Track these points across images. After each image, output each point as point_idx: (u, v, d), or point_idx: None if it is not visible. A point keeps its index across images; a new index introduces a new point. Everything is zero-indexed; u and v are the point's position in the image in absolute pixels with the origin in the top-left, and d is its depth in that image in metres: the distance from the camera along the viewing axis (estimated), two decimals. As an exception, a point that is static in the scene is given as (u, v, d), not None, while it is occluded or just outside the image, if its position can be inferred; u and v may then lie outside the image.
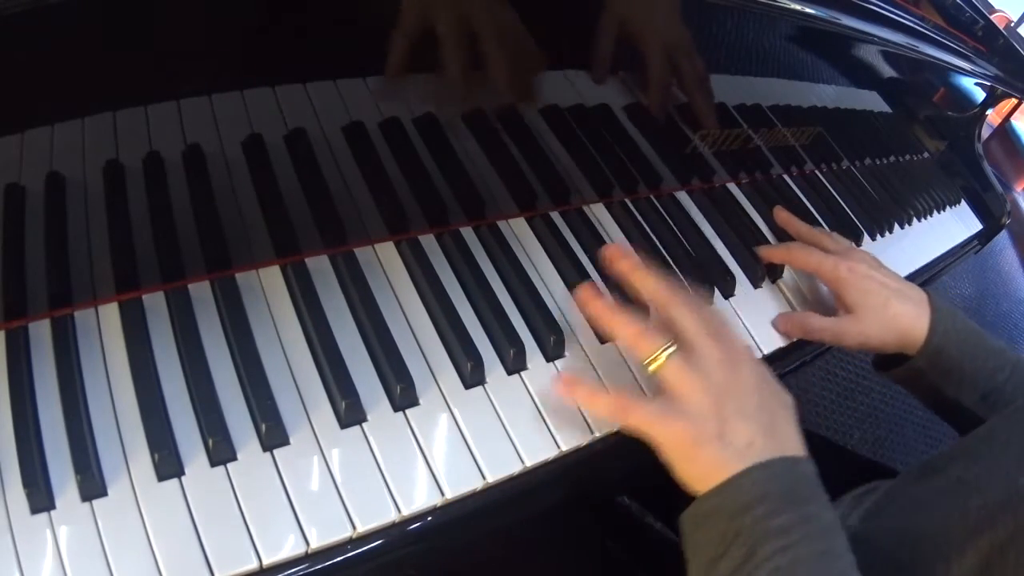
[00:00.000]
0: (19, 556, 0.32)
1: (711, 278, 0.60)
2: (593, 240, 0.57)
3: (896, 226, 0.89)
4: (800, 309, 0.64)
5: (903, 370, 0.60)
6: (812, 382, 1.43)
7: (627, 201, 0.62)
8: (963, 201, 1.15)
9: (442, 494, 0.40)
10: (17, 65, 0.33)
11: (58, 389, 0.37)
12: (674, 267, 0.59)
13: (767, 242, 0.67)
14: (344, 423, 0.41)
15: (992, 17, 0.98)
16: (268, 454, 0.38)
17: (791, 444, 0.43)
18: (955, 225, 1.07)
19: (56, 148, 0.37)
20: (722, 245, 0.65)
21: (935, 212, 1.03)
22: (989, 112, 1.22)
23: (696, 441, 0.42)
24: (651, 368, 0.44)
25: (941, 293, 1.91)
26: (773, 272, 0.65)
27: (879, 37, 0.72)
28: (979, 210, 1.17)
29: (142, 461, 0.36)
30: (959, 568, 0.42)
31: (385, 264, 0.48)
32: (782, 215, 0.69)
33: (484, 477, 0.42)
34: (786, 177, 0.80)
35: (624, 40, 0.55)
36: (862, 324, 0.58)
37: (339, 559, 0.38)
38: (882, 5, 0.70)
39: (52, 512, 0.34)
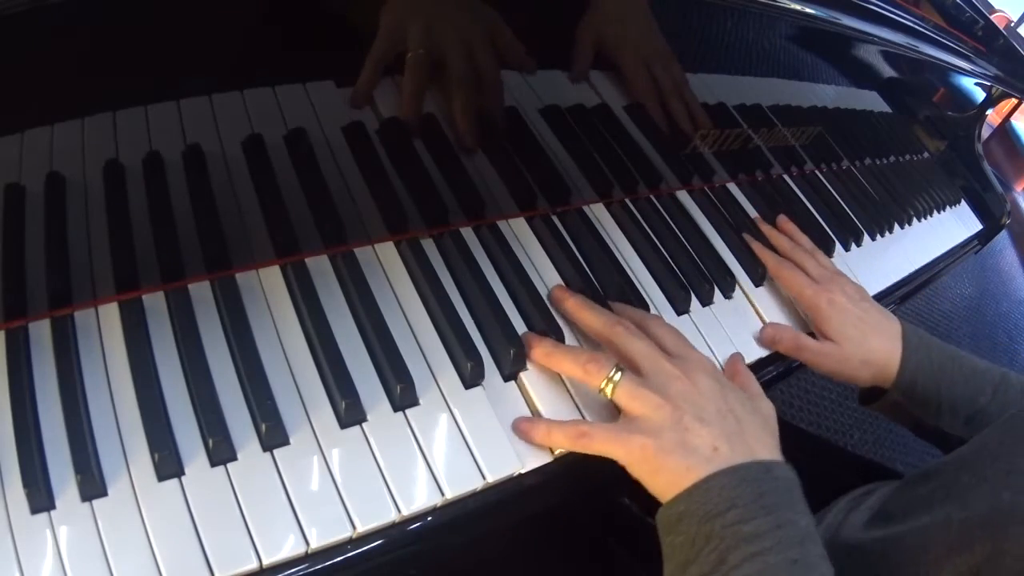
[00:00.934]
0: (19, 556, 0.32)
1: (711, 278, 0.60)
2: (593, 240, 0.57)
3: (896, 226, 0.89)
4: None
5: (882, 403, 0.61)
6: (812, 382, 1.43)
7: (627, 201, 0.62)
8: (963, 201, 1.15)
9: (442, 494, 0.40)
10: (17, 65, 0.33)
11: (58, 389, 0.37)
12: (676, 269, 0.59)
13: (767, 242, 0.67)
14: (344, 423, 0.41)
15: (992, 17, 0.98)
16: (268, 454, 0.38)
17: (763, 448, 0.43)
18: (955, 225, 1.07)
19: (56, 148, 0.37)
20: (722, 245, 0.65)
21: (935, 212, 1.03)
22: (989, 112, 1.22)
23: (658, 453, 0.42)
24: (605, 395, 0.45)
25: (940, 294, 1.91)
26: (773, 272, 0.65)
27: (879, 37, 0.72)
28: (979, 210, 1.17)
29: (142, 461, 0.36)
30: None
31: (385, 264, 0.48)
32: (768, 232, 0.69)
33: (484, 477, 0.42)
34: (786, 177, 0.80)
35: (601, 51, 0.55)
36: (840, 353, 0.59)
37: (339, 559, 0.38)
38: (882, 5, 0.70)
39: (52, 512, 0.34)
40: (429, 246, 0.50)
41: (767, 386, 0.59)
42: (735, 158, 0.72)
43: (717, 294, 0.60)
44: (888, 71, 0.89)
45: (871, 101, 0.92)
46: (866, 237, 0.81)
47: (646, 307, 0.54)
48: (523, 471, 0.43)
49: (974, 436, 0.53)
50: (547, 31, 0.53)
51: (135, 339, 0.39)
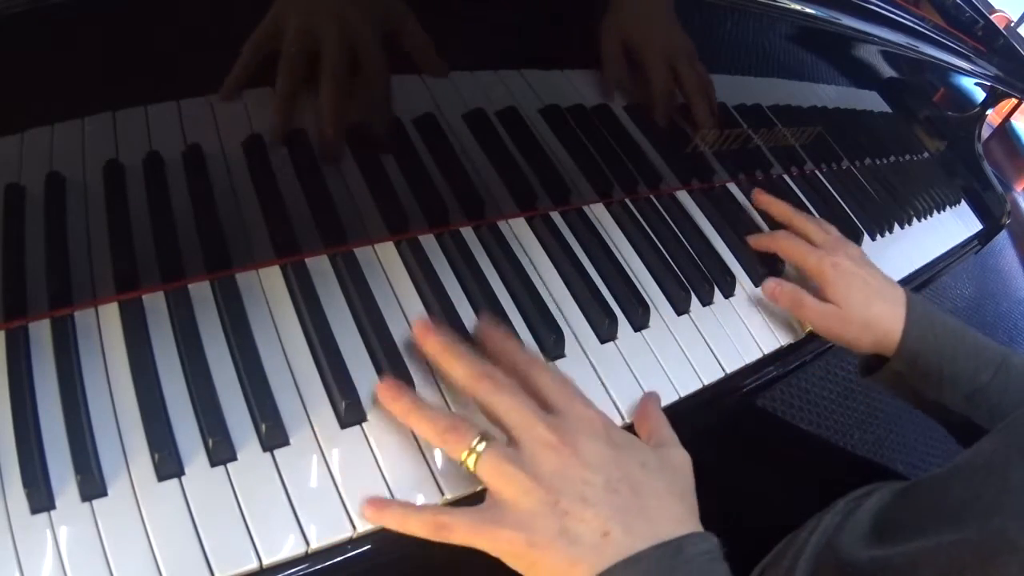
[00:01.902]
0: (19, 556, 0.32)
1: (711, 278, 0.60)
2: (593, 240, 0.57)
3: (896, 226, 0.89)
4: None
5: (883, 373, 0.60)
6: (812, 382, 1.43)
7: (627, 201, 0.62)
8: (963, 201, 1.15)
9: (442, 494, 0.40)
10: (17, 65, 0.33)
11: (58, 389, 0.37)
12: (676, 269, 0.59)
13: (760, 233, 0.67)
14: (344, 423, 0.41)
15: (992, 17, 0.98)
16: (268, 454, 0.38)
17: (669, 521, 0.36)
18: (955, 225, 1.07)
19: (56, 148, 0.37)
20: (722, 245, 0.65)
21: (935, 212, 1.03)
22: (989, 112, 1.22)
23: (531, 545, 0.35)
24: (467, 467, 0.38)
25: (940, 294, 1.91)
26: (774, 271, 0.65)
27: (879, 37, 0.72)
28: (979, 210, 1.17)
29: (142, 461, 0.36)
30: None
31: (385, 264, 0.48)
32: (762, 198, 0.68)
33: (484, 477, 0.42)
34: (786, 177, 0.80)
35: (627, 53, 0.55)
36: (843, 317, 0.58)
37: (339, 559, 0.38)
38: (882, 5, 0.70)
39: (52, 512, 0.34)
40: (429, 246, 0.50)
41: (767, 386, 0.60)
42: (735, 158, 0.72)
43: (717, 294, 0.60)
44: (888, 71, 0.89)
45: (871, 101, 0.92)
46: (866, 237, 0.81)
47: (646, 307, 0.54)
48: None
49: (978, 419, 0.52)
50: (547, 31, 0.53)
51: (135, 339, 0.39)
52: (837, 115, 0.85)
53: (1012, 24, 2.10)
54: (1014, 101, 1.31)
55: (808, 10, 0.60)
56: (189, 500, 0.36)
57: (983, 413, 0.57)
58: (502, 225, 0.54)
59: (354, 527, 0.38)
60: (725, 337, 0.58)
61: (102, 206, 0.40)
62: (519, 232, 0.55)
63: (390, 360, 0.43)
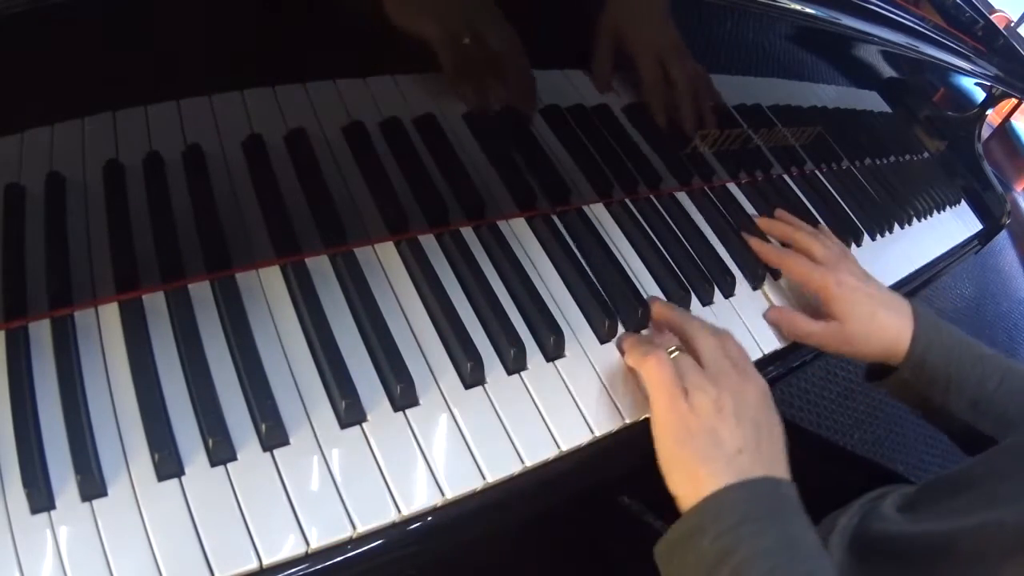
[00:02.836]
0: (19, 556, 0.32)
1: (711, 278, 0.60)
2: (593, 240, 0.57)
3: (896, 226, 0.89)
4: (798, 307, 0.64)
5: (891, 380, 0.61)
6: (812, 382, 1.43)
7: (627, 201, 0.62)
8: (963, 201, 1.15)
9: (442, 494, 0.40)
10: (17, 65, 0.33)
11: (58, 389, 0.37)
12: (676, 269, 0.59)
13: (767, 242, 0.67)
14: (344, 423, 0.41)
15: (992, 17, 0.98)
16: (268, 454, 0.38)
17: (777, 465, 0.44)
18: (955, 225, 1.07)
19: (56, 148, 0.37)
20: (722, 245, 0.65)
21: (935, 212, 1.03)
22: (989, 112, 1.22)
23: (690, 425, 0.43)
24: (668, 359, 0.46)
25: (940, 294, 1.91)
26: (774, 271, 0.65)
27: (879, 37, 0.72)
28: (979, 210, 1.17)
29: (142, 461, 0.36)
30: None
31: (385, 264, 0.48)
32: (764, 223, 0.69)
33: (484, 477, 0.42)
34: (786, 177, 0.80)
35: (620, 49, 0.55)
36: (847, 333, 0.59)
37: (339, 559, 0.38)
38: (882, 5, 0.70)
39: (52, 512, 0.34)
40: (429, 246, 0.50)
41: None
42: (735, 158, 0.72)
43: (717, 294, 0.60)
44: (888, 71, 0.89)
45: (871, 101, 0.92)
46: (866, 237, 0.81)
47: (647, 308, 0.54)
48: (523, 471, 0.43)
49: (982, 427, 0.53)
50: (547, 30, 0.53)
51: (135, 339, 0.39)
52: (837, 115, 0.85)
53: (1012, 24, 2.10)
54: (1014, 101, 1.31)
55: (808, 10, 0.60)
56: (189, 500, 0.36)
57: (988, 420, 0.58)
58: (502, 225, 0.54)
59: (354, 527, 0.38)
60: (725, 337, 0.58)
61: (102, 206, 0.40)
62: (519, 232, 0.55)
63: (390, 360, 0.43)
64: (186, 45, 0.39)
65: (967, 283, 2.16)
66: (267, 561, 0.35)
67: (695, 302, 0.58)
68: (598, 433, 0.46)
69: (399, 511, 0.39)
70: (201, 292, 0.42)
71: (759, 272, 0.64)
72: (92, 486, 0.35)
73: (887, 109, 0.95)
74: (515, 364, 0.47)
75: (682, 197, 0.66)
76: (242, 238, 0.44)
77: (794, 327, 0.60)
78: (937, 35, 0.81)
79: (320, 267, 0.46)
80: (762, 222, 0.69)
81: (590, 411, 0.47)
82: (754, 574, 0.38)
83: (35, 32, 0.33)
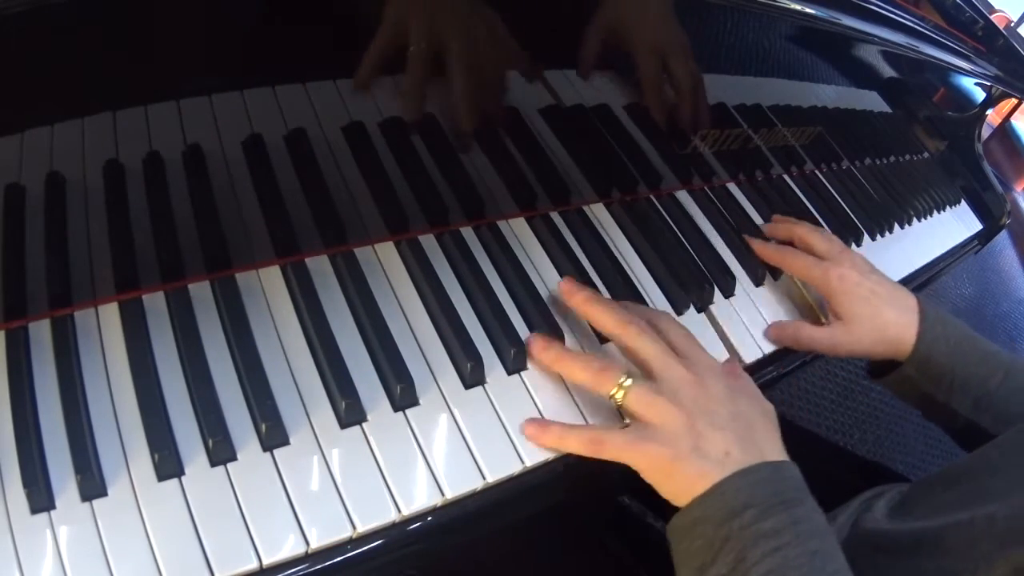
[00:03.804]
0: (19, 556, 0.32)
1: (711, 278, 0.60)
2: (593, 240, 0.57)
3: (896, 226, 0.89)
4: (799, 307, 0.64)
5: (894, 377, 0.60)
6: (812, 382, 1.43)
7: (627, 201, 0.62)
8: (963, 201, 1.15)
9: (442, 494, 0.40)
10: (17, 65, 0.33)
11: (58, 389, 0.37)
12: (676, 270, 0.59)
13: (767, 241, 0.67)
14: (344, 423, 0.41)
15: (992, 17, 0.98)
16: (268, 454, 0.38)
17: (771, 450, 0.44)
18: (955, 225, 1.07)
19: (56, 148, 0.37)
20: (722, 245, 0.65)
21: (935, 212, 1.03)
22: (989, 112, 1.22)
23: (672, 459, 0.42)
24: (615, 401, 0.44)
25: (940, 294, 1.91)
26: (774, 270, 0.65)
27: (879, 37, 0.72)
28: (979, 210, 1.17)
29: (142, 461, 0.36)
30: None
31: (385, 264, 0.48)
32: (765, 228, 0.68)
33: (484, 477, 0.42)
34: (786, 177, 0.80)
35: (614, 42, 0.55)
36: (853, 333, 0.58)
37: (339, 559, 0.38)
38: (882, 5, 0.70)
39: (52, 512, 0.34)
40: (429, 246, 0.50)
41: (767, 386, 0.60)
42: (735, 158, 0.72)
43: (717, 294, 0.60)
44: (888, 71, 0.89)
45: (871, 101, 0.92)
46: (866, 237, 0.81)
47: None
48: (523, 471, 0.43)
49: (985, 424, 0.53)
50: (548, 30, 0.53)
51: (135, 339, 0.39)
52: (837, 115, 0.85)
53: (1012, 24, 2.10)
54: (1014, 101, 1.31)
55: (808, 10, 0.60)
56: (189, 500, 0.36)
57: (989, 418, 0.57)
58: (502, 225, 0.54)
59: (354, 527, 0.38)
60: (726, 337, 0.58)
61: (102, 206, 0.40)
62: (519, 232, 0.55)
63: (390, 360, 0.43)
64: (186, 45, 0.39)
65: (967, 283, 2.16)
66: (267, 561, 0.35)
67: (695, 302, 0.58)
68: (598, 433, 0.46)
69: (399, 511, 0.39)
70: (201, 292, 0.42)
71: (759, 272, 0.64)
72: (92, 486, 0.35)
73: (887, 109, 0.95)
74: (515, 364, 0.47)
75: (682, 197, 0.66)
76: (242, 238, 0.44)
77: (798, 338, 0.59)
78: (937, 35, 0.81)
79: (320, 267, 0.46)
80: (768, 227, 0.68)
81: (590, 411, 0.47)
82: (759, 555, 0.38)
83: (35, 32, 0.33)
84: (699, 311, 0.58)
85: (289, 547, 0.36)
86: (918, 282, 0.88)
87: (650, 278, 0.58)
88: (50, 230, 0.38)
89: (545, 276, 0.53)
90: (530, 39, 0.50)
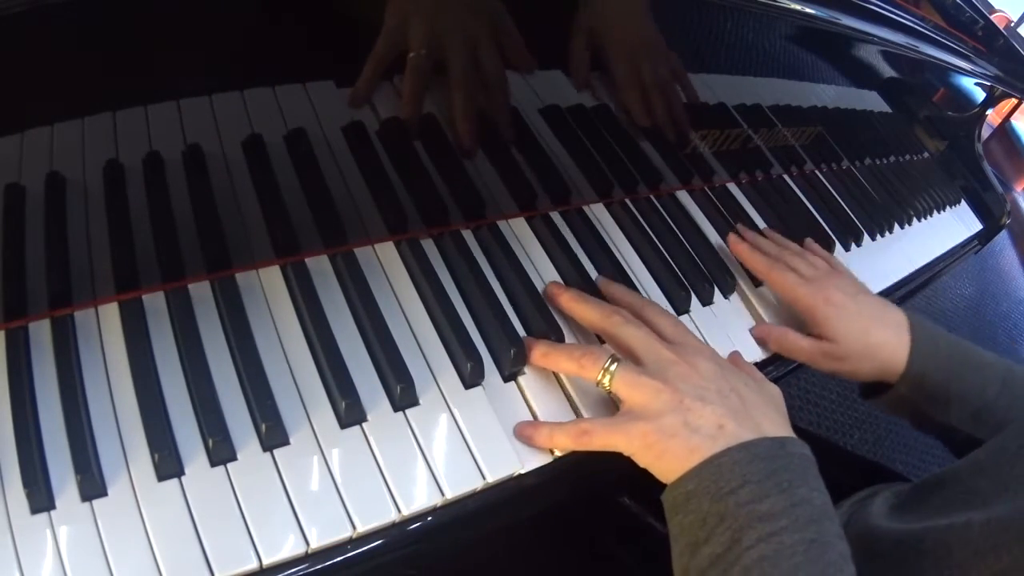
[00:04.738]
0: (19, 556, 0.32)
1: (711, 278, 0.60)
2: (593, 240, 0.57)
3: (896, 226, 0.89)
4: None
5: (887, 398, 0.59)
6: (812, 382, 1.43)
7: (627, 201, 0.62)
8: (963, 201, 1.15)
9: (442, 494, 0.40)
10: (17, 65, 0.33)
11: (58, 389, 0.37)
12: (676, 269, 0.59)
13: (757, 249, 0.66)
14: (344, 423, 0.41)
15: (992, 17, 0.98)
16: (268, 454, 0.38)
17: (771, 425, 0.42)
18: (955, 225, 1.07)
19: (56, 148, 0.37)
20: (722, 245, 0.65)
21: (935, 212, 1.03)
22: (989, 112, 1.22)
23: (660, 436, 0.41)
24: (604, 387, 0.44)
25: (940, 294, 1.91)
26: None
27: (879, 37, 0.72)
28: (979, 210, 1.17)
29: (142, 461, 0.36)
30: None
31: (385, 264, 0.48)
32: (749, 236, 0.65)
33: (484, 477, 0.42)
34: (786, 177, 0.80)
35: (595, 44, 0.54)
36: (838, 353, 0.57)
37: (339, 559, 0.38)
38: (882, 5, 0.70)
39: (52, 512, 0.34)
40: (429, 246, 0.50)
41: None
42: (735, 158, 0.72)
43: (717, 294, 0.60)
44: (888, 71, 0.89)
45: (871, 101, 0.92)
46: (866, 237, 0.81)
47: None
48: (523, 471, 0.43)
49: (984, 437, 0.51)
50: (547, 30, 0.53)
51: (135, 339, 0.39)
52: (837, 115, 0.85)
53: (1012, 24, 2.10)
54: (1014, 101, 1.31)
55: (808, 10, 0.60)
56: (189, 500, 0.36)
57: (989, 430, 0.55)
58: (502, 225, 0.54)
59: (354, 527, 0.38)
60: (725, 337, 0.58)
61: (102, 206, 0.40)
62: (519, 232, 0.55)
63: (390, 360, 0.43)
64: (186, 45, 0.39)
65: (967, 283, 2.17)
66: (267, 561, 0.35)
67: (695, 302, 0.58)
68: (598, 433, 0.46)
69: (399, 511, 0.39)
70: (201, 292, 0.42)
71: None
72: (92, 486, 0.35)
73: (887, 109, 0.95)
74: (515, 365, 0.47)
75: (682, 197, 0.66)
76: (242, 238, 0.44)
77: (783, 343, 0.58)
78: (937, 35, 0.81)
79: (320, 267, 0.46)
80: (749, 236, 0.66)
81: (588, 411, 0.47)
82: (754, 539, 0.37)
83: (35, 32, 0.33)
84: (704, 306, 0.58)
85: (289, 547, 0.36)
86: (918, 282, 0.88)
87: (650, 278, 0.58)
88: (50, 230, 0.38)
89: (545, 276, 0.53)
90: (537, 39, 0.50)
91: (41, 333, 0.38)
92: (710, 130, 0.67)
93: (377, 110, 0.48)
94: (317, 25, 0.43)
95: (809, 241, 0.68)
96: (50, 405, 0.36)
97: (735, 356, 0.55)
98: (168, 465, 0.36)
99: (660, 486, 0.43)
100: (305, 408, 0.41)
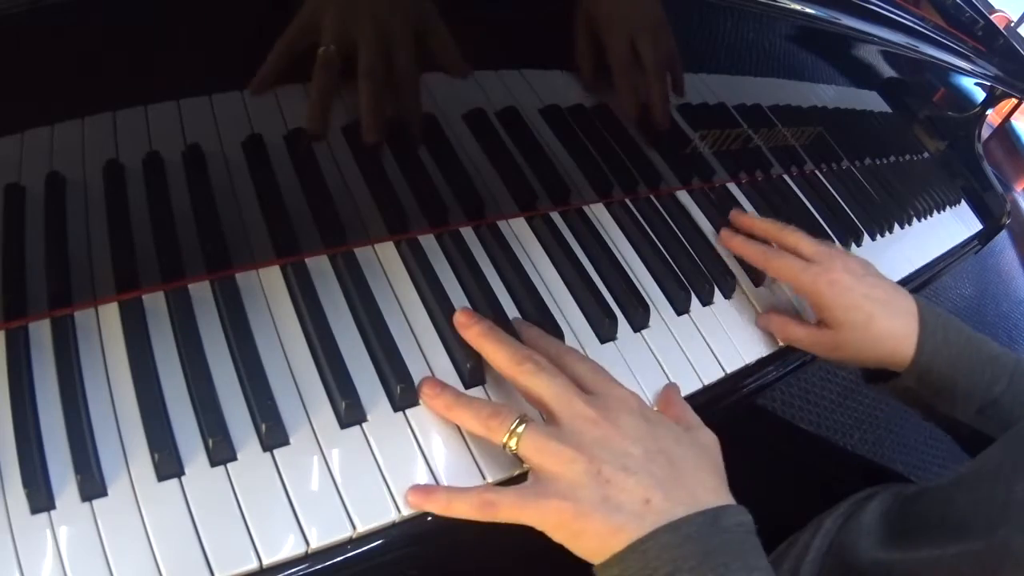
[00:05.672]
0: (19, 556, 0.32)
1: (711, 278, 0.60)
2: (593, 240, 0.57)
3: (896, 226, 0.89)
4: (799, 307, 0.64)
5: (891, 386, 0.57)
6: (812, 382, 1.43)
7: (627, 201, 0.62)
8: (963, 201, 1.15)
9: (442, 494, 0.40)
10: (17, 65, 0.33)
11: (58, 389, 0.37)
12: (676, 269, 0.59)
13: (768, 242, 0.67)
14: (344, 423, 0.41)
15: (992, 17, 0.98)
16: (268, 454, 0.38)
17: (705, 492, 0.38)
18: (955, 225, 1.07)
19: (56, 148, 0.37)
20: (722, 244, 0.65)
21: (935, 212, 1.03)
22: (989, 112, 1.22)
23: (577, 516, 0.36)
24: (510, 449, 0.39)
25: (940, 294, 1.91)
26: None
27: (879, 37, 0.72)
28: (979, 210, 1.17)
29: (142, 461, 0.36)
30: None
31: (385, 264, 0.48)
32: (747, 221, 0.62)
33: (484, 477, 0.42)
34: (786, 177, 0.80)
35: (594, 32, 0.52)
36: (840, 342, 0.54)
37: (339, 559, 0.38)
38: (882, 5, 0.70)
39: (52, 512, 0.34)
40: (429, 246, 0.50)
41: (767, 386, 0.60)
42: (735, 158, 0.72)
43: (717, 294, 0.60)
44: (888, 71, 0.89)
45: (871, 101, 0.92)
46: (866, 237, 0.81)
47: (646, 307, 0.54)
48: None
49: (989, 432, 0.51)
50: (547, 30, 0.53)
51: (135, 339, 0.39)
52: (837, 115, 0.85)
53: (1012, 24, 2.10)
54: (1014, 101, 1.31)
55: (808, 10, 0.60)
56: (189, 500, 0.36)
57: (995, 425, 0.54)
58: (502, 225, 0.54)
59: (354, 527, 0.38)
60: (725, 337, 0.58)
61: (102, 206, 0.40)
62: (519, 232, 0.55)
63: (390, 360, 0.43)
64: (186, 45, 0.39)
65: (967, 283, 2.16)
66: (267, 561, 0.35)
67: (695, 302, 0.58)
68: (598, 433, 0.46)
69: (399, 511, 0.39)
70: (201, 292, 0.42)
71: (759, 272, 0.64)
72: (92, 486, 0.35)
73: (887, 109, 0.95)
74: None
75: (682, 197, 0.66)
76: (242, 238, 0.44)
77: (785, 331, 0.58)
78: (937, 35, 0.81)
79: (320, 267, 0.46)
80: (744, 220, 0.63)
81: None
82: None
83: (35, 32, 0.33)
84: (704, 306, 0.58)
85: (289, 547, 0.36)
86: (918, 282, 0.88)
87: (650, 278, 0.58)
88: (50, 230, 0.38)
89: (545, 276, 0.53)
90: (537, 38, 0.50)
91: (41, 333, 0.38)
92: (710, 130, 0.67)
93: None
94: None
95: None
96: (50, 405, 0.36)
97: (668, 394, 0.50)
98: (168, 465, 0.36)
99: None
100: (305, 408, 0.41)
